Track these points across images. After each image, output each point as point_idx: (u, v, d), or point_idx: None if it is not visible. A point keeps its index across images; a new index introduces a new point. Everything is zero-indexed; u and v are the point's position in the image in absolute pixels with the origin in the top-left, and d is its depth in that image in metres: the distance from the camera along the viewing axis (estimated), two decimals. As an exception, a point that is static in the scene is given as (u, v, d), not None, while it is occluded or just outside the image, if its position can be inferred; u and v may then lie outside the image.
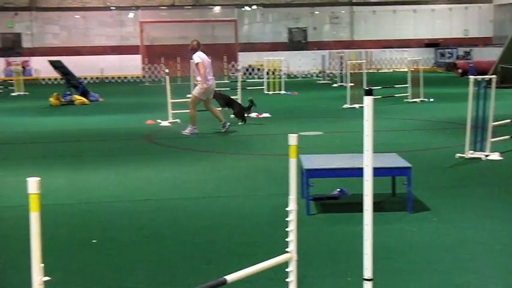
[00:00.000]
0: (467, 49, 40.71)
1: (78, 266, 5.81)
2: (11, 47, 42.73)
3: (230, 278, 4.02)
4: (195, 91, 14.21)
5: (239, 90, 17.49)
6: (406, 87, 20.70)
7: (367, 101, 4.27)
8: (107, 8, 42.92)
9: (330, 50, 38.34)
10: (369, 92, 4.31)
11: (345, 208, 7.70)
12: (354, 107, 18.73)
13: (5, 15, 42.09)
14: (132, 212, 7.73)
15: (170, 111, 16.48)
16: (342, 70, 29.12)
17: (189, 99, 14.65)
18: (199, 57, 13.99)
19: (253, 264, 4.38)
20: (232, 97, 16.76)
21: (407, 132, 14.21)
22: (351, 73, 20.20)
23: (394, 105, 19.15)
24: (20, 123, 17.27)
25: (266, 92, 25.14)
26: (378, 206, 6.75)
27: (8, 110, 21.08)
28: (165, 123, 16.13)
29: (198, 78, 14.08)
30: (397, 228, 6.82)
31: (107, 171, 10.26)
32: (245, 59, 38.97)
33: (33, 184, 3.08)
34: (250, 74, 35.68)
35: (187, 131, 14.26)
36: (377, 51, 41.11)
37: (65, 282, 5.29)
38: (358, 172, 6.40)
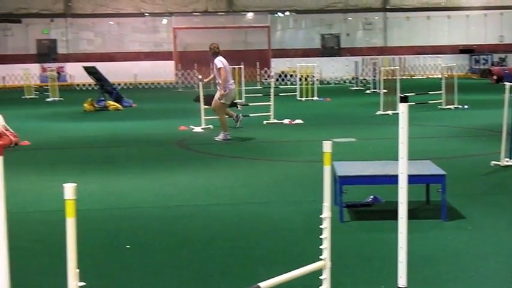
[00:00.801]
0: (503, 55, 40.34)
1: (111, 271, 5.83)
2: (47, 53, 43.25)
3: (263, 285, 4.01)
4: (217, 97, 14.18)
5: (272, 97, 17.47)
6: (440, 93, 20.54)
7: (403, 108, 4.24)
8: (141, 15, 43.25)
9: (363, 56, 38.22)
10: (404, 99, 4.28)
11: (378, 215, 7.65)
12: (387, 114, 18.62)
13: (41, 21, 42.62)
14: (165, 217, 7.75)
15: (203, 117, 16.53)
16: (375, 76, 29.00)
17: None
18: (221, 62, 14.05)
19: (285, 271, 4.37)
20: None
21: (442, 140, 14.08)
22: (384, 79, 20.10)
23: (427, 112, 19.00)
24: (54, 129, 17.44)
25: (299, 98, 25.14)
26: (412, 214, 6.69)
27: (43, 116, 21.31)
28: (198, 129, 16.18)
29: (219, 83, 14.12)
30: (432, 236, 6.76)
31: (140, 177, 10.31)
32: (278, 65, 38.98)
33: (69, 190, 3.09)
34: (283, 80, 35.67)
35: (220, 137, 14.26)
36: (410, 57, 40.87)
37: (98, 287, 5.31)
38: (392, 179, 6.36)
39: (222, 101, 14.10)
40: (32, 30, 42.89)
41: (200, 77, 18.33)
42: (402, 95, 4.33)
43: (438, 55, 40.16)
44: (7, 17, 42.17)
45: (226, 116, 14.77)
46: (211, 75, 14.90)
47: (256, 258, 6.14)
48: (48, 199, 8.76)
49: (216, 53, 14.25)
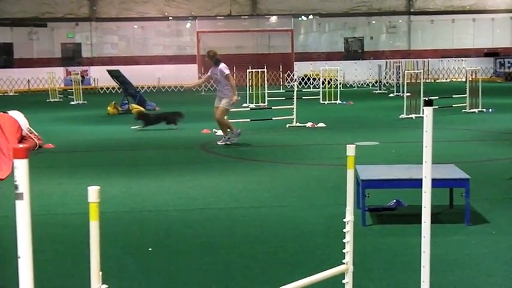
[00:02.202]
0: (528, 59, 40.00)
1: (134, 274, 5.85)
2: (71, 56, 43.58)
3: (286, 288, 4.00)
4: (225, 104, 13.86)
5: (295, 100, 17.46)
6: (464, 97, 20.41)
7: (427, 112, 4.21)
8: (165, 18, 43.44)
9: (387, 60, 38.08)
10: (428, 103, 4.25)
11: (401, 219, 7.60)
12: (411, 117, 18.54)
13: (66, 25, 42.95)
14: (188, 220, 7.76)
15: (226, 121, 16.54)
16: (398, 80, 28.88)
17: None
18: (227, 68, 13.98)
19: (307, 275, 4.36)
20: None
21: (466, 143, 13.98)
22: (407, 83, 20.01)
23: (451, 116, 18.89)
24: (78, 132, 17.55)
25: (322, 102, 25.11)
26: (435, 218, 6.67)
27: (67, 119, 21.46)
28: (220, 133, 16.18)
29: (226, 89, 13.83)
30: (455, 240, 6.71)
31: (163, 180, 10.35)
32: (301, 68, 38.96)
33: (93, 193, 3.11)
34: (305, 83, 35.63)
35: (233, 138, 14.11)
36: (434, 60, 40.67)
37: (122, 289, 5.34)
38: (416, 183, 6.34)
39: (227, 107, 13.92)
40: (57, 34, 43.24)
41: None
42: (426, 99, 4.31)
43: (462, 58, 39.92)
44: (33, 21, 42.55)
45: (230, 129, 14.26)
46: (200, 80, 14.58)
47: (279, 261, 6.13)
48: (72, 201, 8.81)
49: (218, 60, 14.10)
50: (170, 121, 17.26)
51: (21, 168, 2.77)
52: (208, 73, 14.65)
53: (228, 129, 14.13)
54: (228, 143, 14.06)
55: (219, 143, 14.19)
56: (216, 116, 14.02)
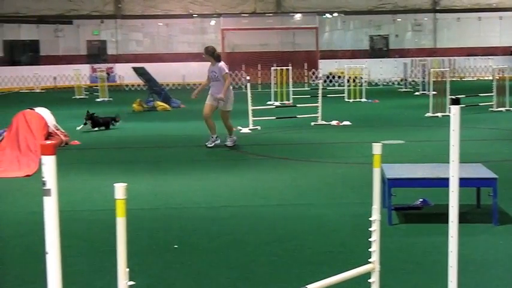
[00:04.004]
0: (556, 57, 39.58)
1: (159, 271, 5.86)
2: (97, 54, 43.83)
3: (311, 287, 3.98)
4: (228, 107, 13.48)
5: (320, 98, 17.41)
6: (491, 96, 20.24)
7: (454, 110, 4.17)
8: (190, 16, 43.52)
9: (412, 58, 37.87)
10: (456, 101, 4.20)
11: (427, 219, 7.55)
12: (437, 116, 18.42)
13: (91, 23, 43.19)
14: (213, 218, 7.77)
15: (251, 118, 16.55)
16: (424, 78, 28.71)
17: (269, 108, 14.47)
18: (227, 66, 13.59)
19: (332, 274, 4.34)
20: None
21: (493, 142, 13.86)
22: (433, 81, 19.88)
23: (478, 115, 18.73)
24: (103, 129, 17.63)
25: (347, 100, 25.03)
26: (462, 218, 6.59)
27: (93, 116, 21.52)
28: (245, 130, 16.20)
29: (221, 90, 13.25)
30: (483, 240, 6.65)
31: (188, 177, 10.36)
32: (326, 66, 38.86)
33: (120, 190, 3.11)
34: (330, 81, 35.54)
35: (230, 142, 13.63)
36: (461, 59, 40.36)
37: (146, 286, 5.34)
38: (442, 182, 6.29)
39: (229, 109, 13.53)
40: (82, 31, 43.49)
41: (248, 78, 18.36)
42: (454, 97, 4.26)
43: (489, 56, 39.59)
44: (59, 18, 42.84)
45: (213, 133, 13.69)
46: (204, 83, 13.88)
47: (304, 260, 6.11)
48: (98, 198, 8.86)
49: (219, 56, 13.64)
50: (108, 126, 17.17)
51: (48, 165, 2.78)
52: (207, 73, 13.76)
53: (231, 131, 13.74)
54: (215, 142, 13.51)
55: (228, 144, 13.60)
56: (223, 121, 13.52)
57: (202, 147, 13.66)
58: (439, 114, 18.45)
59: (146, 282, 5.42)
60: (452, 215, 4.26)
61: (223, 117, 13.49)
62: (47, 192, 2.80)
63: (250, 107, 16.62)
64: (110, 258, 5.81)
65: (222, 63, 13.43)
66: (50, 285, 2.85)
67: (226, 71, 13.37)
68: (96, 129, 16.78)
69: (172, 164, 11.88)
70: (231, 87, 13.86)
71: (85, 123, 16.66)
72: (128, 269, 3.23)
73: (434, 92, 19.13)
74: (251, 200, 8.73)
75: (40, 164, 11.85)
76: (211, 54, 13.47)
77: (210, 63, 13.62)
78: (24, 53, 43.34)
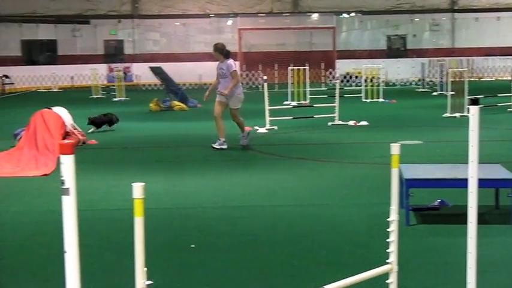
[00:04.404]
0: None
1: (176, 270, 5.87)
2: (114, 53, 43.98)
3: (329, 287, 3.96)
4: (235, 104, 13.32)
5: (337, 98, 17.37)
6: (510, 96, 20.11)
7: (473, 111, 4.14)
8: (206, 15, 43.57)
9: (430, 58, 37.70)
10: (475, 102, 4.17)
11: (445, 219, 7.51)
12: (455, 116, 18.33)
13: (108, 22, 43.34)
14: (229, 217, 7.77)
15: (268, 118, 16.54)
16: (442, 78, 28.59)
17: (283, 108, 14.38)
18: (235, 64, 13.42)
19: (350, 274, 4.32)
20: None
21: (511, 143, 13.76)
22: (451, 81, 19.78)
23: (496, 115, 18.61)
24: (120, 128, 17.67)
25: (364, 100, 24.97)
26: (481, 218, 6.54)
27: (110, 115, 21.60)
28: (262, 130, 16.19)
29: (234, 88, 13.15)
30: (501, 241, 6.60)
31: (205, 177, 10.36)
32: (343, 66, 38.78)
33: (138, 189, 3.11)
34: (347, 81, 35.44)
35: (222, 144, 13.23)
36: (479, 59, 40.13)
37: (163, 285, 5.34)
38: (461, 183, 6.25)
39: (238, 107, 13.39)
40: (99, 31, 43.65)
41: (265, 77, 18.35)
42: (473, 97, 4.23)
43: (508, 57, 39.32)
44: (76, 18, 43.03)
45: (221, 135, 13.38)
46: (214, 82, 13.68)
47: (321, 260, 6.09)
48: (115, 197, 8.88)
49: (228, 53, 13.42)
50: (111, 123, 17.05)
51: (67, 164, 2.78)
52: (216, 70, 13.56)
53: (242, 130, 13.57)
54: (222, 146, 13.20)
55: (243, 143, 13.45)
56: (232, 119, 13.45)
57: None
58: (457, 115, 18.36)
59: (163, 281, 5.42)
60: (471, 215, 4.23)
61: (231, 114, 13.45)
62: (66, 191, 2.81)
63: (267, 107, 16.60)
64: (127, 257, 5.83)
65: (230, 60, 13.28)
66: (69, 284, 2.85)
67: (234, 68, 13.26)
68: (101, 128, 16.77)
69: (189, 163, 11.89)
70: (240, 85, 13.75)
71: (92, 131, 16.44)
72: (145, 268, 3.23)
73: (452, 92, 19.04)
74: (268, 199, 8.72)
75: (57, 163, 11.86)
76: (220, 51, 13.33)
77: (218, 61, 13.47)
78: (42, 53, 43.58)
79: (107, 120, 17.06)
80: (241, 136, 13.57)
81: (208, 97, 13.67)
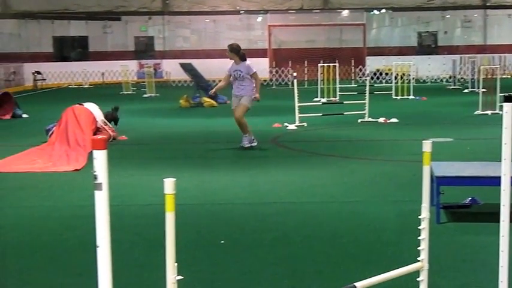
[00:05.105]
0: None
1: (206, 266, 5.88)
2: (144, 50, 44.22)
3: (359, 284, 3.95)
4: (247, 101, 12.82)
5: (367, 95, 17.29)
6: (543, 93, 19.86)
7: (507, 108, 4.09)
8: (237, 12, 43.62)
9: (461, 55, 37.37)
10: (508, 99, 4.12)
11: (476, 217, 7.45)
12: (486, 114, 18.16)
13: (139, 19, 43.58)
14: (259, 214, 7.76)
15: (297, 115, 16.52)
16: (473, 75, 28.34)
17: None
18: (253, 65, 12.89)
19: (380, 271, 4.30)
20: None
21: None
22: (483, 78, 19.59)
23: (529, 112, 18.39)
24: (150, 124, 17.79)
25: (394, 97, 24.84)
26: (512, 217, 6.47)
27: (140, 111, 21.76)
28: (292, 127, 16.18)
29: (248, 87, 12.76)
30: (533, 240, 6.52)
31: (235, 173, 10.38)
32: (373, 63, 38.60)
33: (169, 184, 3.12)
34: (378, 78, 35.27)
35: (246, 142, 12.99)
36: (511, 56, 39.70)
37: (193, 281, 5.36)
38: (493, 181, 6.20)
39: (248, 106, 12.92)
40: (130, 27, 43.91)
41: (295, 74, 18.33)
42: (506, 94, 4.18)
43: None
44: (107, 14, 43.32)
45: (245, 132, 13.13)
46: (222, 83, 13.28)
47: (351, 257, 6.07)
48: (144, 193, 8.92)
49: (244, 54, 12.90)
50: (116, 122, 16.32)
51: (100, 159, 2.80)
52: (227, 72, 13.09)
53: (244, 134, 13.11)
54: (253, 144, 12.98)
55: (245, 145, 12.97)
56: (236, 115, 12.88)
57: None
58: (489, 112, 18.18)
59: (192, 277, 5.44)
60: (503, 214, 4.19)
61: (239, 113, 12.81)
62: (98, 186, 2.83)
63: (296, 104, 16.58)
64: (157, 252, 5.86)
65: (249, 62, 12.81)
66: (101, 278, 2.88)
67: (254, 69, 12.74)
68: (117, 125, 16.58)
69: (218, 159, 11.92)
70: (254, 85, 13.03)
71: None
72: (176, 264, 3.24)
73: (484, 90, 18.86)
74: (297, 196, 8.71)
75: (88, 159, 11.95)
76: (236, 52, 12.80)
77: (232, 61, 12.96)
78: (73, 49, 43.96)
79: (113, 118, 16.36)
80: (244, 137, 13.10)
81: (214, 94, 13.40)
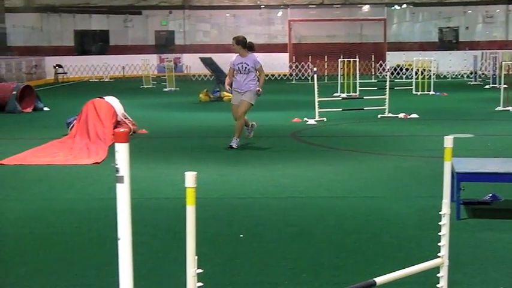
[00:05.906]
0: None
1: (225, 260, 5.89)
2: (165, 44, 44.30)
3: (379, 280, 3.94)
4: (251, 99, 12.34)
5: (387, 90, 17.22)
6: None
7: (529, 103, 4.06)
8: (257, 7, 43.58)
9: (483, 50, 37.11)
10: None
11: (496, 214, 7.40)
12: (508, 110, 18.03)
13: (159, 13, 43.66)
14: (279, 208, 7.77)
15: (317, 110, 16.49)
16: (495, 71, 28.14)
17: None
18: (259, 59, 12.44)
19: (400, 267, 4.28)
20: None
21: None
22: (505, 74, 19.45)
23: (551, 109, 18.27)
24: (170, 118, 17.83)
25: (414, 92, 24.72)
26: (534, 214, 6.45)
27: (160, 105, 21.82)
28: (311, 122, 16.15)
29: (252, 81, 12.30)
30: (554, 237, 6.48)
31: (254, 168, 10.38)
32: (393, 58, 38.42)
33: (190, 178, 3.13)
34: (398, 73, 35.13)
35: (234, 143, 12.39)
36: (533, 52, 39.37)
37: (212, 274, 5.37)
38: (514, 177, 6.15)
39: (252, 103, 12.46)
40: (151, 21, 44.01)
41: (315, 69, 18.29)
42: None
43: None
44: (128, 9, 43.44)
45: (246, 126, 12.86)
46: (230, 79, 12.76)
47: (370, 252, 6.06)
48: (164, 186, 8.95)
49: (252, 47, 12.52)
50: None
51: (122, 152, 2.81)
52: (231, 66, 12.62)
53: (245, 126, 12.77)
54: (234, 146, 12.35)
55: (232, 145, 12.37)
56: (237, 113, 12.37)
57: (266, 138, 13.70)
58: (510, 108, 18.06)
59: (212, 270, 5.45)
60: (524, 210, 4.16)
61: (241, 111, 12.31)
62: (120, 179, 2.84)
63: (316, 99, 16.55)
64: (177, 245, 5.89)
65: (255, 55, 12.48)
66: (122, 271, 2.89)
67: (261, 63, 12.43)
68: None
69: (237, 153, 11.91)
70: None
71: None
72: (196, 257, 3.25)
73: (505, 86, 18.73)
74: (316, 191, 8.70)
75: (108, 152, 11.99)
76: (243, 45, 12.38)
77: (237, 54, 12.61)
78: (94, 43, 44.13)
79: None
80: (247, 130, 12.85)
81: (230, 90, 12.96)
